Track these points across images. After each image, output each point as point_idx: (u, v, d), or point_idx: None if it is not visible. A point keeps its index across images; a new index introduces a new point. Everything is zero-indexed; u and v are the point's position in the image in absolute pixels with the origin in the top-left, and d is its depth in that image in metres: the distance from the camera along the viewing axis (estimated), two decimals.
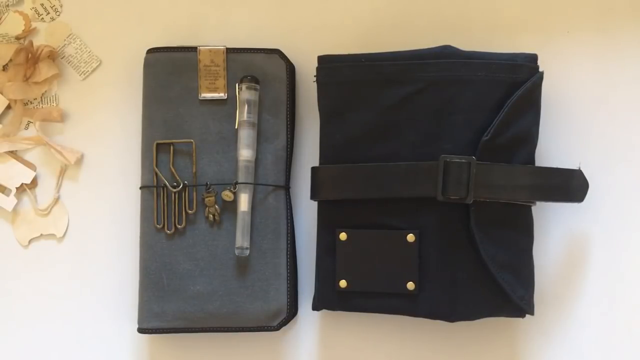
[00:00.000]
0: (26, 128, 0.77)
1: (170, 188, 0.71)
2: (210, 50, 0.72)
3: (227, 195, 0.70)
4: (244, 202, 0.70)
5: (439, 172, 0.64)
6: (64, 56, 0.77)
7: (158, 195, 0.71)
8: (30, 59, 0.75)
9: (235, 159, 0.71)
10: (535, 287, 0.68)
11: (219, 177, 0.71)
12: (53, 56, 0.76)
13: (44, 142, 0.75)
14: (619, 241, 0.72)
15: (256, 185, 0.71)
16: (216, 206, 0.70)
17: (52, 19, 0.77)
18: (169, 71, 0.72)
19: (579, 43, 0.74)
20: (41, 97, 0.77)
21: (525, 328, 0.72)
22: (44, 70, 0.75)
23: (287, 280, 0.71)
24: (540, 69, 0.67)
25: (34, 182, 0.76)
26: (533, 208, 0.69)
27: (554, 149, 0.73)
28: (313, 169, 0.69)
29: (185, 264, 0.70)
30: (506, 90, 0.66)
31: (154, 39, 0.76)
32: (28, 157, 0.76)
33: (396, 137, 0.67)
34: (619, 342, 0.72)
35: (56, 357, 0.75)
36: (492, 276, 0.65)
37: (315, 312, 0.73)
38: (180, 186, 0.71)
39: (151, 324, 0.70)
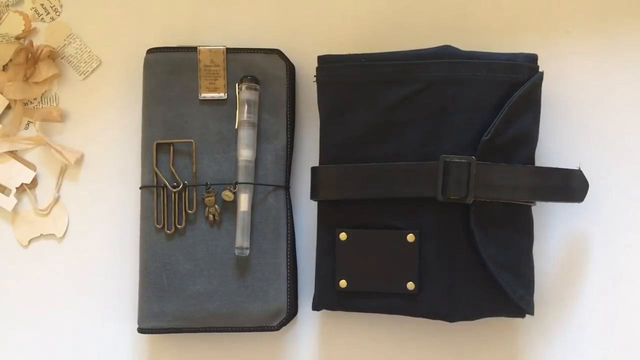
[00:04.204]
0: (26, 128, 0.77)
1: (170, 188, 0.71)
2: (210, 50, 0.72)
3: (227, 195, 0.70)
4: (244, 202, 0.70)
5: (439, 172, 0.64)
6: (64, 56, 0.77)
7: (158, 195, 0.71)
8: (30, 59, 0.75)
9: (235, 159, 0.71)
10: (535, 287, 0.68)
11: (219, 177, 0.71)
12: (53, 56, 0.76)
13: (44, 142, 0.75)
14: (619, 241, 0.72)
15: (256, 185, 0.71)
16: (216, 206, 0.70)
17: (52, 19, 0.77)
18: (169, 71, 0.72)
19: (579, 43, 0.74)
20: (41, 97, 0.77)
21: (525, 328, 0.72)
22: (44, 70, 0.75)
23: (287, 280, 0.71)
24: (540, 69, 0.67)
25: (34, 182, 0.76)
26: (533, 208, 0.69)
27: (554, 149, 0.73)
28: (313, 169, 0.69)
29: (185, 264, 0.70)
30: (506, 90, 0.66)
31: (154, 39, 0.76)
32: (28, 157, 0.76)
33: (396, 137, 0.67)
34: (619, 342, 0.72)
35: (56, 357, 0.75)
36: (492, 276, 0.65)
37: (315, 312, 0.73)
38: (180, 186, 0.71)
39: (151, 324, 0.70)
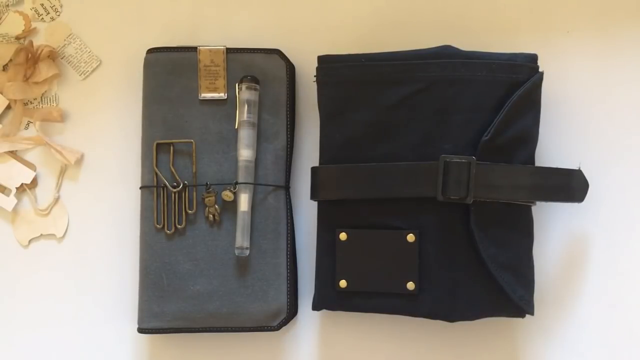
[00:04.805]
0: (26, 128, 0.77)
1: (170, 188, 0.71)
2: (210, 50, 0.72)
3: (227, 195, 0.70)
4: (244, 202, 0.70)
5: (439, 172, 0.64)
6: (64, 56, 0.77)
7: (158, 195, 0.71)
8: (30, 59, 0.75)
9: (235, 159, 0.71)
10: (535, 287, 0.68)
11: (219, 177, 0.71)
12: (53, 56, 0.76)
13: (44, 142, 0.75)
14: (619, 241, 0.72)
15: (256, 185, 0.71)
16: (216, 206, 0.70)
17: (52, 19, 0.77)
18: (169, 71, 0.72)
19: (579, 43, 0.74)
20: (41, 97, 0.77)
21: (525, 328, 0.72)
22: (44, 70, 0.75)
23: (287, 280, 0.71)
24: (540, 69, 0.67)
25: (34, 182, 0.76)
26: (533, 208, 0.69)
27: (554, 149, 0.73)
28: (313, 169, 0.69)
29: (185, 264, 0.70)
30: (506, 90, 0.66)
31: (154, 39, 0.76)
32: (28, 157, 0.77)
33: (396, 137, 0.67)
34: (619, 342, 0.72)
35: (56, 357, 0.75)
36: (492, 276, 0.65)
37: (315, 312, 0.73)
38: (180, 186, 0.71)
39: (151, 324, 0.70)
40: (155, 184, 0.71)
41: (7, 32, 0.76)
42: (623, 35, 0.73)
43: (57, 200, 0.76)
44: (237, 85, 0.71)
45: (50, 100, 0.77)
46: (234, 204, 0.70)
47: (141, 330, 0.70)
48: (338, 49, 0.74)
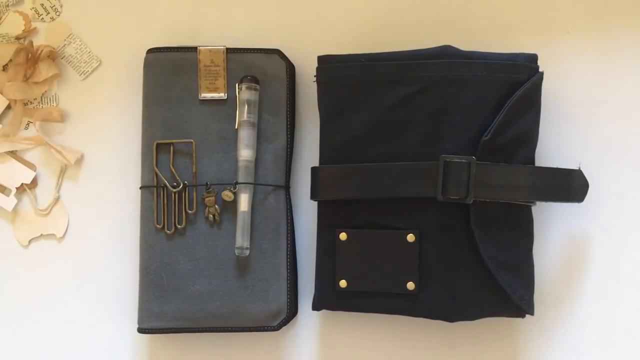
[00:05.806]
0: (26, 128, 0.77)
1: (170, 188, 0.71)
2: (210, 50, 0.72)
3: (227, 195, 0.70)
4: (244, 202, 0.70)
5: (439, 172, 0.64)
6: (64, 56, 0.77)
7: (158, 195, 0.71)
8: (30, 59, 0.75)
9: (235, 159, 0.71)
10: (535, 287, 0.68)
11: (219, 177, 0.71)
12: (53, 56, 0.76)
13: (44, 142, 0.75)
14: (619, 241, 0.72)
15: (256, 185, 0.71)
16: (216, 206, 0.70)
17: (52, 19, 0.77)
18: (169, 71, 0.72)
19: (579, 43, 0.74)
20: (41, 97, 0.77)
21: (525, 328, 0.72)
22: (44, 70, 0.75)
23: (287, 280, 0.71)
24: (540, 69, 0.67)
25: (34, 182, 0.76)
26: (533, 208, 0.69)
27: (554, 149, 0.73)
28: (313, 169, 0.69)
29: (185, 264, 0.70)
30: (506, 90, 0.66)
31: (154, 39, 0.76)
32: (28, 157, 0.77)
33: (396, 137, 0.67)
34: (619, 342, 0.72)
35: (56, 357, 0.75)
36: (492, 276, 0.65)
37: (315, 312, 0.73)
38: (180, 186, 0.71)
39: (151, 324, 0.70)
40: (155, 184, 0.71)
41: (7, 32, 0.76)
42: (623, 35, 0.73)
43: (57, 200, 0.76)
44: (237, 85, 0.71)
45: (50, 100, 0.77)
46: (234, 204, 0.70)
47: (141, 330, 0.70)
48: (338, 49, 0.74)
